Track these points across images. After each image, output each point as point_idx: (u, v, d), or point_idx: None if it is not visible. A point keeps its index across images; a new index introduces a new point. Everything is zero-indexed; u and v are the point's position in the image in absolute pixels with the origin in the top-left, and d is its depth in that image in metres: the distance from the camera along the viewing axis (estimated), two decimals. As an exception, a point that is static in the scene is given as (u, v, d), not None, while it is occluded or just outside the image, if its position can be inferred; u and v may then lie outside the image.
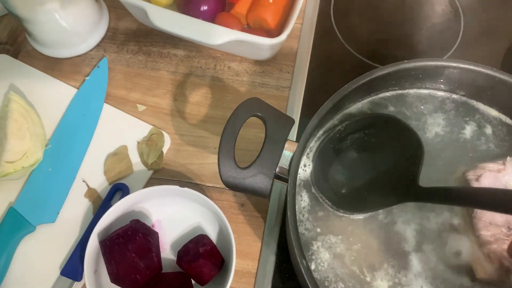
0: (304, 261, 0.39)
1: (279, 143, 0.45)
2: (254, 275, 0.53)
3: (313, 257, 0.44)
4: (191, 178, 0.58)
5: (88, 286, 0.47)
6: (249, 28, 0.65)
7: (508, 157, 0.47)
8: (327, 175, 0.48)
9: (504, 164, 0.47)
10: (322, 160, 0.48)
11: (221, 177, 0.44)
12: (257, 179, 0.44)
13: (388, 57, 0.53)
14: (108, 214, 0.50)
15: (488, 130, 0.50)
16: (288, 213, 0.41)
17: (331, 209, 0.47)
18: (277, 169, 0.45)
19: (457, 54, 0.66)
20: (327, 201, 0.47)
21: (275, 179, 0.45)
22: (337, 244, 0.45)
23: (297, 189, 0.47)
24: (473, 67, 0.47)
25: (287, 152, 0.45)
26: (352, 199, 0.47)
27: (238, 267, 0.53)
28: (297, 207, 0.47)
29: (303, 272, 0.39)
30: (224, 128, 0.44)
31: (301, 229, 0.46)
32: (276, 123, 0.46)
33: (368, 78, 0.46)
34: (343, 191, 0.48)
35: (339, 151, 0.49)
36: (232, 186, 0.44)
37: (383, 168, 0.48)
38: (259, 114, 0.45)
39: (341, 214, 0.46)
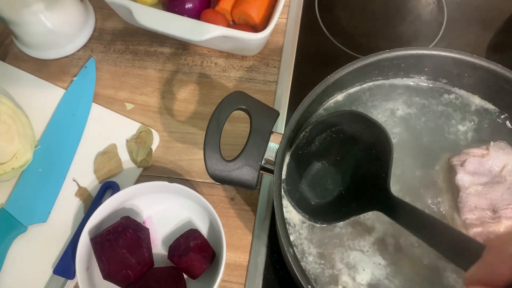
0: (291, 249, 0.40)
1: (264, 135, 0.46)
2: (245, 267, 0.53)
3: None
4: (181, 174, 0.59)
5: (80, 283, 0.48)
6: (234, 24, 0.66)
7: (492, 142, 0.48)
8: (298, 185, 0.47)
9: (487, 149, 0.47)
10: (292, 171, 0.47)
11: (207, 170, 0.44)
12: (243, 171, 0.45)
13: (373, 49, 0.54)
14: (99, 212, 0.51)
15: (471, 116, 0.51)
16: (275, 204, 0.42)
17: (308, 220, 0.46)
18: (263, 161, 0.45)
19: (440, 44, 0.67)
20: (302, 212, 0.46)
21: (261, 171, 0.46)
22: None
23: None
24: (453, 54, 0.48)
25: (273, 144, 0.46)
26: (325, 209, 0.46)
27: (230, 260, 0.54)
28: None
29: (290, 260, 0.39)
30: (208, 122, 0.45)
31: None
32: (261, 116, 0.46)
33: (350, 68, 0.47)
34: (314, 203, 0.47)
35: (308, 160, 0.48)
36: (219, 179, 0.45)
37: (353, 172, 0.46)
38: (244, 107, 0.46)
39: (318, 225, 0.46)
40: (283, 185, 0.45)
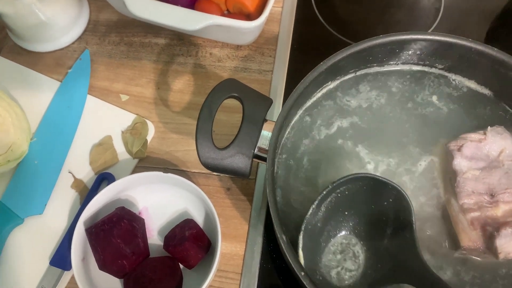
0: (284, 236, 0.40)
1: (257, 123, 0.45)
2: (242, 257, 0.53)
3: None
4: (177, 165, 0.58)
5: (76, 274, 0.47)
6: (229, 14, 0.65)
7: (489, 127, 0.47)
8: (318, 266, 0.44)
9: (485, 133, 0.47)
10: (309, 253, 0.43)
11: (199, 158, 0.44)
12: (236, 159, 0.44)
13: (370, 37, 0.53)
14: (94, 202, 0.51)
15: (467, 101, 0.50)
16: (267, 191, 0.42)
17: None
18: (256, 149, 0.45)
19: (437, 31, 0.66)
20: None
21: (255, 159, 0.46)
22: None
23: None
24: (448, 38, 0.47)
25: (266, 132, 0.45)
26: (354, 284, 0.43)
27: (226, 250, 0.54)
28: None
29: (283, 246, 0.39)
30: (200, 110, 0.44)
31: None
32: (253, 104, 0.46)
33: (344, 54, 0.47)
34: (340, 283, 0.44)
35: (323, 236, 0.45)
36: (211, 167, 0.44)
37: (376, 238, 0.44)
38: (236, 94, 0.45)
39: None
40: (302, 273, 0.38)
